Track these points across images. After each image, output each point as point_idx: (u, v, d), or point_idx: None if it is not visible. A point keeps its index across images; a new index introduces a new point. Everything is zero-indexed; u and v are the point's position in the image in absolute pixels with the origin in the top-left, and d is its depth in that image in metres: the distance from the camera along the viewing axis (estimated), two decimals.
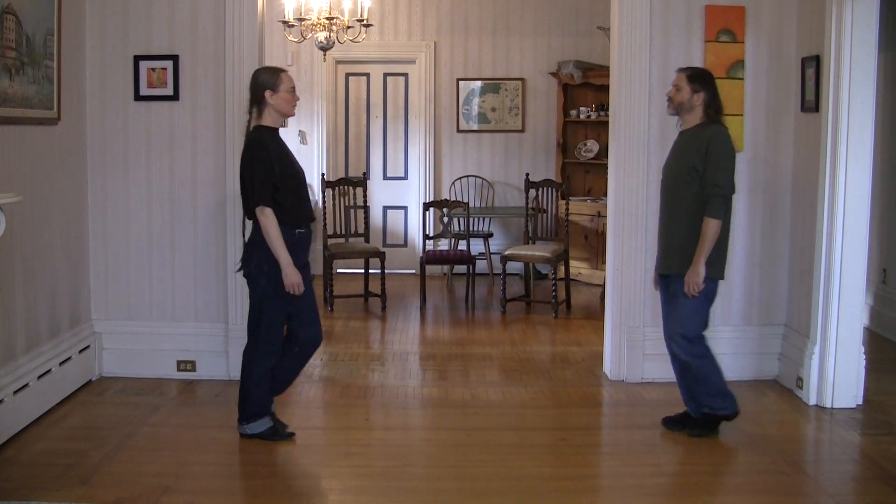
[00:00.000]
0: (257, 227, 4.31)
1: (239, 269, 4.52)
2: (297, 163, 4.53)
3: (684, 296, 4.44)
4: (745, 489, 4.07)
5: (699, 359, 4.52)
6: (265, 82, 4.34)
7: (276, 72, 4.38)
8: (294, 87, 4.42)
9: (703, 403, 4.60)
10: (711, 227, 4.37)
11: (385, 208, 9.73)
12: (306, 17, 7.33)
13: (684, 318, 4.48)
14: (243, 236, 4.54)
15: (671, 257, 4.54)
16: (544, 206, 8.19)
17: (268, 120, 4.38)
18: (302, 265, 4.40)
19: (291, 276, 4.28)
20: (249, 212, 4.33)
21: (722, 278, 4.55)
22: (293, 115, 4.53)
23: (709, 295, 4.49)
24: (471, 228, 9.01)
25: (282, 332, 4.49)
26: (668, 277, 4.55)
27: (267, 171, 4.26)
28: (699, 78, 4.47)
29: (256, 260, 4.33)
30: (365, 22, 7.46)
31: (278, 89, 4.33)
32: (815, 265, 5.12)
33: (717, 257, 4.45)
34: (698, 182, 4.39)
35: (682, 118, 4.54)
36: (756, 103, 5.48)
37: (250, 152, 4.32)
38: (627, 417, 5.04)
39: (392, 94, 9.55)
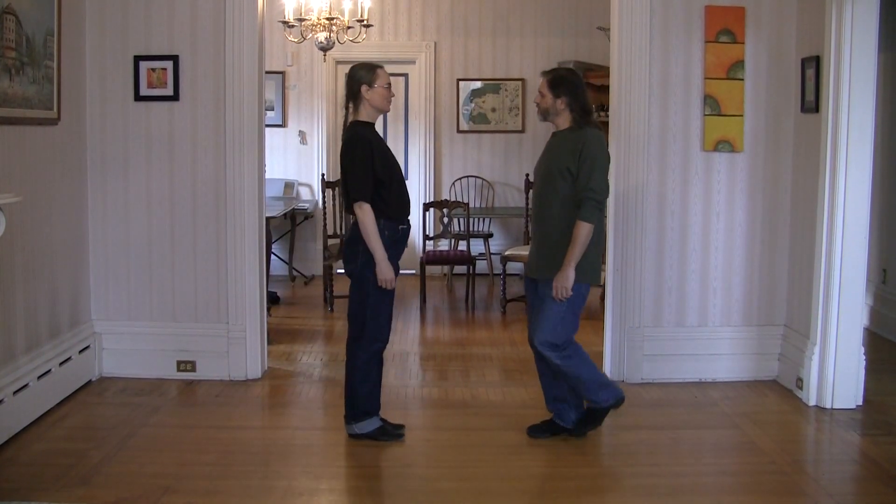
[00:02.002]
0: (357, 224, 4.35)
1: (343, 266, 4.51)
2: (395, 158, 4.53)
3: (552, 300, 4.33)
4: (745, 489, 4.07)
5: (567, 359, 4.41)
6: (362, 78, 4.37)
7: (373, 68, 4.41)
8: (390, 83, 4.44)
9: (587, 399, 4.52)
10: (583, 230, 4.24)
11: None
12: (306, 18, 7.33)
13: (553, 323, 4.36)
14: (340, 234, 4.45)
15: (540, 261, 4.43)
16: None
17: (364, 115, 4.42)
18: (397, 263, 4.45)
19: (386, 272, 4.32)
20: (351, 207, 4.37)
21: (595, 284, 4.42)
22: (388, 109, 4.55)
23: (578, 300, 4.38)
24: (471, 229, 9.01)
25: (387, 327, 4.50)
26: (537, 281, 4.45)
27: (367, 167, 4.29)
28: (558, 83, 4.37)
29: (364, 257, 4.35)
30: (365, 22, 7.47)
31: (374, 84, 4.36)
32: (815, 265, 5.12)
33: (589, 263, 4.34)
34: (570, 184, 4.29)
35: (553, 122, 4.46)
36: (756, 104, 5.48)
37: (352, 147, 4.34)
38: (627, 417, 5.02)
39: None
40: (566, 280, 4.28)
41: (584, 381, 4.47)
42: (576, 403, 4.59)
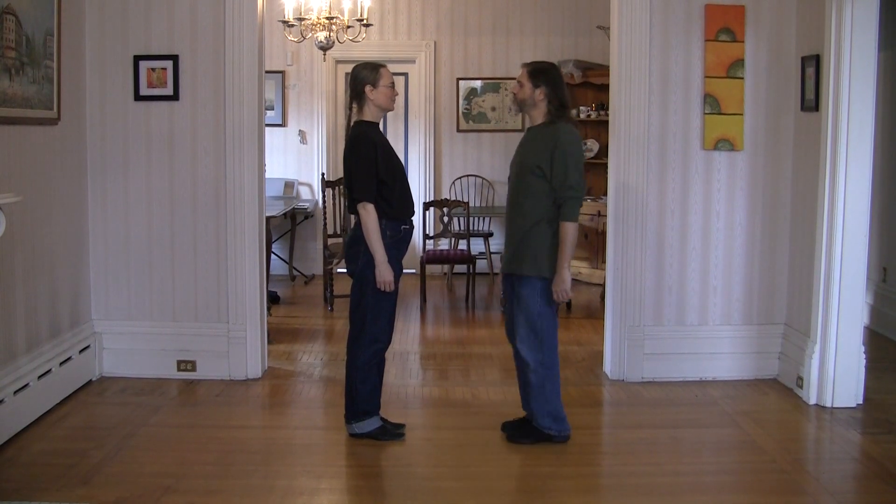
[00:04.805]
0: (360, 224, 4.35)
1: (346, 266, 4.51)
2: (399, 158, 4.53)
3: (525, 297, 4.34)
4: (745, 488, 4.07)
5: (544, 368, 4.40)
6: (365, 78, 4.37)
7: (376, 67, 4.41)
8: (393, 83, 4.45)
9: (535, 418, 4.48)
10: (570, 230, 4.23)
11: None
12: (306, 17, 7.33)
13: (533, 318, 4.36)
14: (341, 233, 4.43)
15: (512, 255, 4.40)
16: None
17: (368, 115, 4.42)
18: (400, 263, 4.45)
19: (385, 273, 4.32)
20: (353, 207, 4.36)
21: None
22: (393, 108, 4.55)
23: (545, 293, 4.34)
24: (471, 228, 9.01)
25: (388, 327, 4.50)
26: (513, 277, 4.42)
27: (371, 167, 4.29)
28: (539, 73, 4.33)
29: (365, 258, 4.35)
30: (365, 21, 7.47)
31: (378, 84, 4.36)
32: (815, 264, 5.12)
33: (556, 257, 4.30)
34: (541, 181, 4.26)
35: (529, 115, 4.43)
36: (756, 102, 5.48)
37: (356, 147, 4.34)
38: (628, 417, 5.04)
39: None
40: (563, 283, 4.28)
41: (543, 400, 4.43)
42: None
